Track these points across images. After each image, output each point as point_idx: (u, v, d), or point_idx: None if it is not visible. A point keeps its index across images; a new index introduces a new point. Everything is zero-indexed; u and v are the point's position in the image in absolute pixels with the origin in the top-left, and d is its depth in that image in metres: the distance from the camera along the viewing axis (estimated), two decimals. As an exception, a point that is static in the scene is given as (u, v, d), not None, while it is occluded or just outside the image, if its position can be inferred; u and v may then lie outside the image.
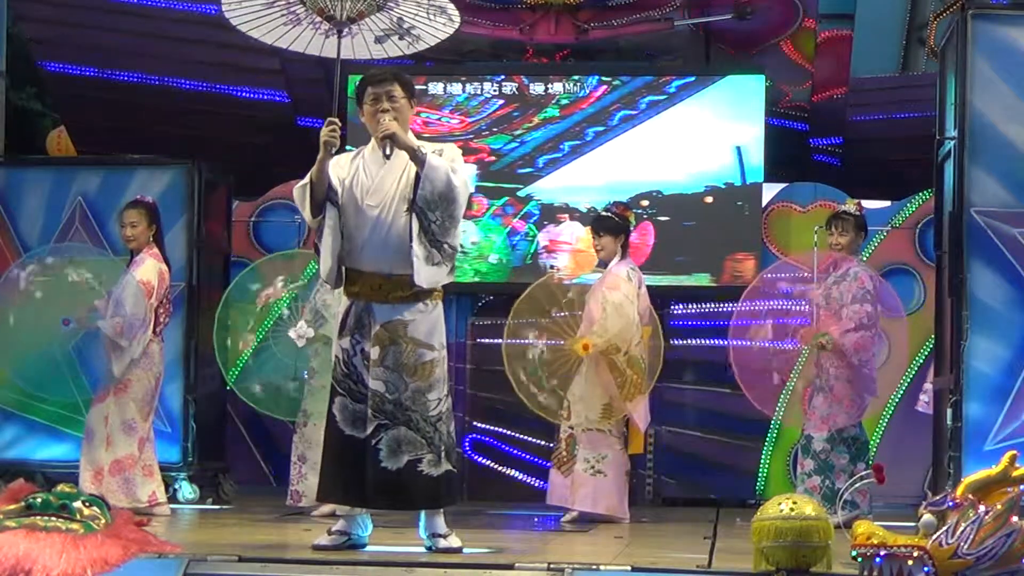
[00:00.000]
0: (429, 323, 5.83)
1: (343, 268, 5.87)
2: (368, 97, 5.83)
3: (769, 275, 8.53)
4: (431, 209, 5.70)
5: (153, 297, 7.75)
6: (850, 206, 7.98)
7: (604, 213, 8.24)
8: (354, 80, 9.28)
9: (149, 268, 7.80)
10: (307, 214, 5.83)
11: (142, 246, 7.90)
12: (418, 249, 5.68)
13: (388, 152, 5.76)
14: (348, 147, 6.35)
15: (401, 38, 6.40)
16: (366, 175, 5.84)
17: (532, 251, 9.88)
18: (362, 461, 5.72)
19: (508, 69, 10.22)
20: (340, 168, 5.85)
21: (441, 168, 5.73)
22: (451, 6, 6.29)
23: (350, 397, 5.79)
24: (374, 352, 5.77)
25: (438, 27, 6.38)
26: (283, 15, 6.28)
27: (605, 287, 7.90)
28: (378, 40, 6.40)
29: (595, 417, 7.86)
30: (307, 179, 5.80)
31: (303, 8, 6.22)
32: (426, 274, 5.71)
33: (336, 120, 5.83)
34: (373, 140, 5.92)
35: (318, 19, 6.23)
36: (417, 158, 5.72)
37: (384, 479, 5.71)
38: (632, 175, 9.80)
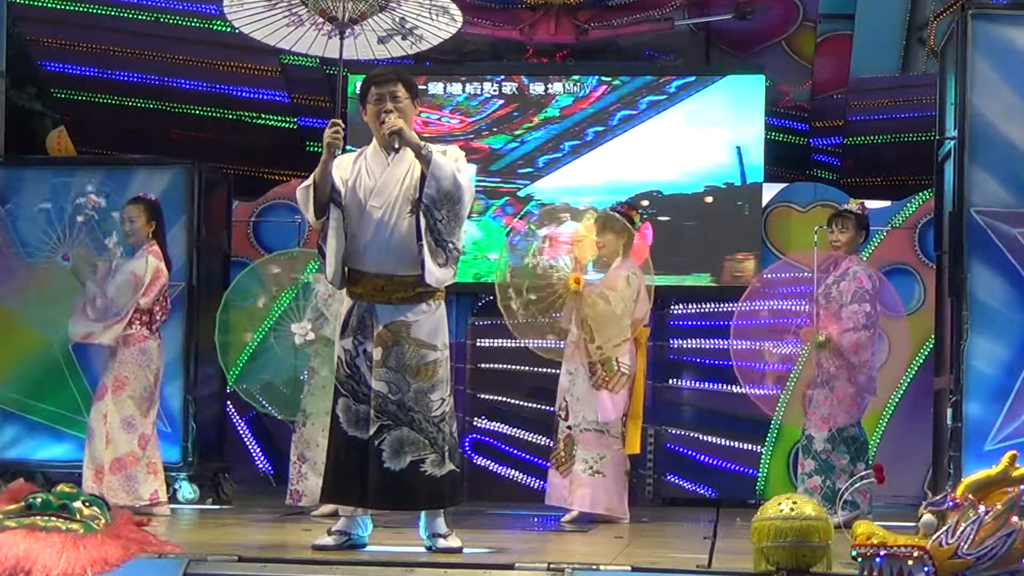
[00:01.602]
0: (432, 324, 5.83)
1: (346, 269, 5.87)
2: (372, 97, 5.83)
3: (768, 275, 8.54)
4: (437, 208, 5.70)
5: (141, 291, 7.74)
6: (852, 205, 7.99)
7: (609, 211, 8.20)
8: (354, 80, 9.38)
9: (142, 263, 7.80)
10: (310, 215, 5.82)
11: (140, 242, 7.90)
12: (426, 247, 5.68)
13: (397, 146, 5.75)
14: (348, 147, 6.33)
15: (404, 38, 6.39)
16: (369, 176, 5.84)
17: (532, 251, 9.87)
18: (365, 462, 5.72)
19: (508, 69, 10.22)
20: (342, 169, 5.84)
21: (447, 167, 5.73)
22: (453, 6, 6.28)
23: (353, 398, 5.78)
24: (377, 353, 5.76)
25: (441, 27, 6.37)
26: (285, 16, 6.26)
27: (604, 286, 7.90)
28: (381, 40, 6.39)
29: (593, 418, 7.86)
30: (310, 180, 5.79)
31: (305, 9, 6.20)
32: (435, 273, 5.71)
33: (339, 121, 5.82)
34: (375, 141, 5.92)
35: (320, 20, 6.21)
36: (423, 156, 5.72)
37: (387, 480, 5.70)
38: (632, 175, 9.80)
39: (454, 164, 5.77)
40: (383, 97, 5.80)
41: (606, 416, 7.91)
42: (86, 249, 8.15)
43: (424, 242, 5.68)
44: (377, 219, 5.78)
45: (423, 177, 5.72)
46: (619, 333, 7.80)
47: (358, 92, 6.00)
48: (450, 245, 5.75)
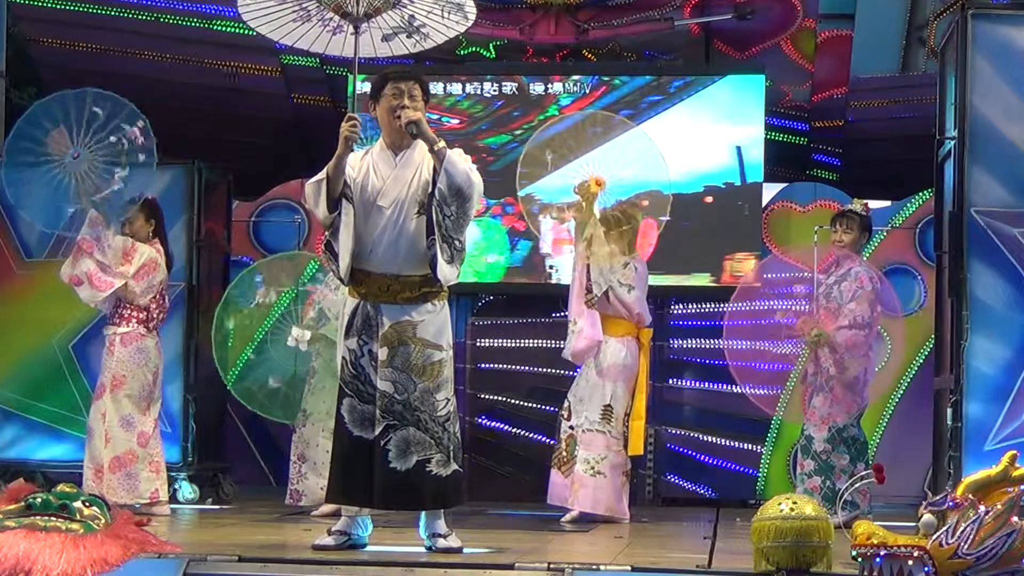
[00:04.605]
0: (437, 324, 5.83)
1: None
2: (388, 91, 5.83)
3: (766, 275, 8.53)
4: (447, 203, 5.71)
5: (131, 269, 7.70)
6: (856, 205, 7.98)
7: (612, 211, 8.19)
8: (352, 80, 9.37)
9: (143, 246, 7.80)
10: (321, 210, 5.79)
11: (143, 241, 7.90)
12: (437, 243, 5.69)
13: (414, 132, 5.77)
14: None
15: (409, 36, 6.36)
16: (376, 176, 5.84)
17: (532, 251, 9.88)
18: (371, 462, 5.71)
19: (508, 69, 10.21)
20: (350, 167, 5.84)
21: (461, 164, 5.76)
22: (469, 2, 6.25)
23: (358, 398, 5.78)
24: (382, 353, 5.76)
25: (451, 24, 6.33)
26: (294, 12, 6.24)
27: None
28: (385, 39, 6.37)
29: (595, 418, 7.86)
30: (323, 174, 5.77)
31: (316, 4, 6.19)
32: (444, 269, 5.72)
33: (356, 116, 5.81)
34: (381, 140, 5.92)
35: (328, 15, 6.19)
36: (436, 152, 5.74)
37: (393, 480, 5.70)
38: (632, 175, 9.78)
39: (467, 163, 5.79)
40: (400, 92, 5.81)
41: (573, 347, 7.94)
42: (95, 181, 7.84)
43: (436, 237, 5.69)
44: (385, 219, 5.77)
45: (435, 172, 5.73)
46: (604, 257, 7.82)
47: (371, 87, 5.96)
48: (456, 243, 5.76)
